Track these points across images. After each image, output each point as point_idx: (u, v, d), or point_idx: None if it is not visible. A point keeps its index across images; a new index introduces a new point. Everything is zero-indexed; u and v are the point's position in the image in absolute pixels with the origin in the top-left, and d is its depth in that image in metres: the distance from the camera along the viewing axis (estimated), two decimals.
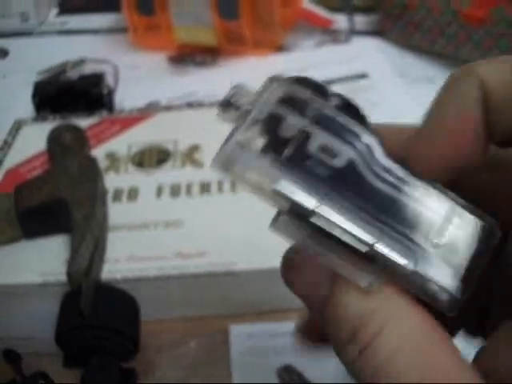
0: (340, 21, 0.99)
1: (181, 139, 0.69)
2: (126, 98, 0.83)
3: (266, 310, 0.56)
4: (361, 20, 0.98)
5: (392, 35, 0.92)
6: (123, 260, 0.55)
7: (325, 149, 0.24)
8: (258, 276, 0.54)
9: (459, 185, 0.26)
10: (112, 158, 0.67)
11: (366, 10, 1.00)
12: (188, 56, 0.93)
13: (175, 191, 0.62)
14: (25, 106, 0.79)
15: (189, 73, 0.91)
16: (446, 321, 0.24)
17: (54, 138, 0.65)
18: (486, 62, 0.25)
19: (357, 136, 0.25)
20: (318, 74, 0.85)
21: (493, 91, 0.24)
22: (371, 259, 0.24)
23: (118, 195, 0.62)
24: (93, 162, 0.62)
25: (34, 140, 0.68)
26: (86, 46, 0.99)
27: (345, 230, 0.23)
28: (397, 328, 0.23)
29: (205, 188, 0.62)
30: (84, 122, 0.71)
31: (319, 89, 0.26)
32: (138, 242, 0.57)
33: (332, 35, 0.97)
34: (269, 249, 0.53)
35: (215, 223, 0.58)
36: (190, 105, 0.77)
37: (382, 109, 0.77)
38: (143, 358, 0.53)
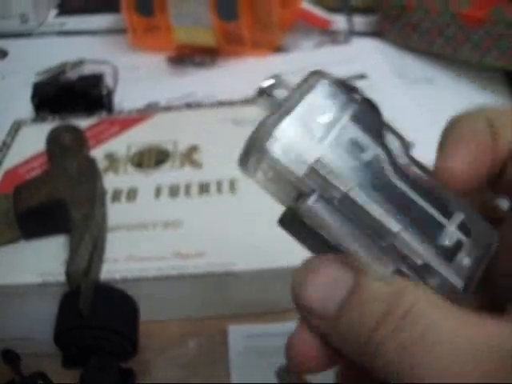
0: (339, 22, 0.99)
1: (180, 140, 0.69)
2: (125, 99, 0.83)
3: (265, 311, 0.56)
4: (359, 21, 0.98)
5: (391, 36, 0.92)
6: (122, 260, 0.55)
7: (355, 142, 0.26)
8: (256, 276, 0.54)
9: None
10: (111, 158, 0.67)
11: (364, 10, 1.00)
12: (187, 57, 0.93)
13: (174, 192, 0.62)
14: (24, 107, 0.79)
15: (188, 73, 0.91)
16: None
17: (53, 139, 0.65)
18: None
19: (383, 136, 0.26)
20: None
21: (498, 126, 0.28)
22: (389, 249, 0.25)
23: (117, 195, 0.62)
24: (92, 162, 0.62)
25: (33, 141, 0.68)
26: (85, 46, 0.99)
27: (371, 216, 0.25)
28: (427, 303, 0.23)
29: (204, 188, 0.62)
30: (83, 123, 0.71)
31: (349, 88, 0.28)
32: (136, 242, 0.57)
33: (331, 36, 0.97)
34: (268, 249, 0.54)
35: (214, 224, 0.58)
36: (189, 105, 0.77)
37: (381, 109, 0.77)
38: (142, 359, 0.53)
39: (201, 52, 0.93)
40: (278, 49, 0.94)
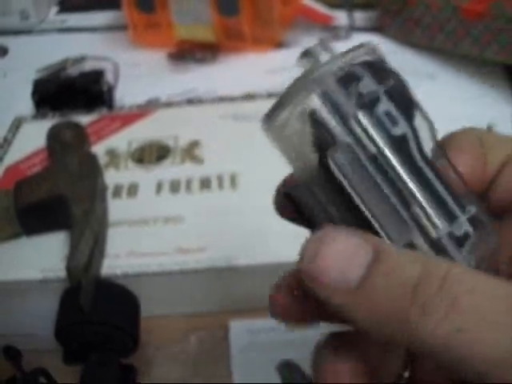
0: (340, 17, 0.99)
1: (181, 135, 0.69)
2: (126, 95, 0.83)
3: (267, 306, 0.56)
4: (360, 16, 0.98)
5: (391, 31, 0.92)
6: (123, 256, 0.55)
7: (389, 114, 0.26)
8: (258, 271, 0.54)
9: None
10: (112, 154, 0.67)
11: (365, 6, 1.00)
12: (188, 53, 0.93)
13: (175, 187, 0.62)
14: (25, 104, 0.79)
15: (189, 69, 0.90)
16: None
17: (53, 135, 0.65)
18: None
19: (413, 117, 0.27)
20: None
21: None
22: (409, 218, 0.25)
23: (117, 191, 0.62)
24: (93, 158, 0.62)
25: (34, 137, 0.68)
26: (85, 43, 0.99)
27: (402, 179, 0.25)
28: (462, 268, 0.23)
29: (205, 184, 0.62)
30: (84, 119, 0.71)
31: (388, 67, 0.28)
32: (138, 237, 0.57)
33: (332, 32, 0.96)
34: (269, 244, 0.54)
35: (215, 219, 0.58)
36: (190, 101, 0.77)
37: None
38: (143, 354, 0.53)
39: (201, 48, 0.93)
40: (279, 45, 0.94)
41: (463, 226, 0.26)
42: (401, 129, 0.26)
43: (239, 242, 0.55)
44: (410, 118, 0.26)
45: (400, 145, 0.26)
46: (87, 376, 0.48)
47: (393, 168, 0.25)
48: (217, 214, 0.58)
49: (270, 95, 0.74)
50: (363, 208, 0.25)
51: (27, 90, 0.79)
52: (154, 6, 0.91)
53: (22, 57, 0.98)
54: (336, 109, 0.25)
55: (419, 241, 0.25)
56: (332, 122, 0.25)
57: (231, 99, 0.75)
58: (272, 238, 0.54)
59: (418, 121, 0.27)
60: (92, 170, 0.60)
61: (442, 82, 0.83)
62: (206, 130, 0.70)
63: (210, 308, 0.57)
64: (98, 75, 0.80)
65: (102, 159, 0.65)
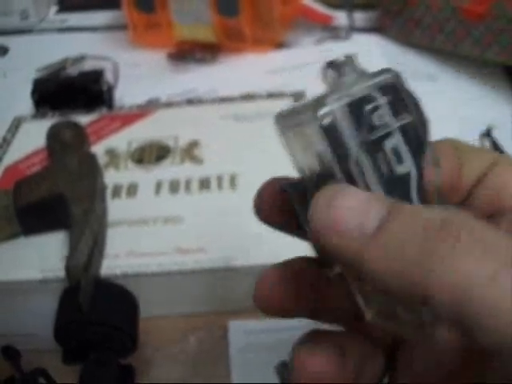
0: (340, 17, 0.98)
1: (181, 136, 0.69)
2: (126, 95, 0.83)
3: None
4: (360, 17, 0.98)
5: (391, 32, 0.92)
6: (123, 256, 0.55)
7: (396, 152, 0.26)
8: (257, 272, 0.54)
9: None
10: (111, 154, 0.67)
11: (365, 6, 1.00)
12: (188, 53, 0.93)
13: (174, 187, 0.62)
14: (24, 103, 0.79)
15: (189, 70, 0.90)
16: None
17: (53, 135, 0.65)
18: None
19: (422, 157, 0.26)
20: (317, 71, 0.85)
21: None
22: None
23: (117, 191, 0.62)
24: (92, 158, 0.62)
25: (34, 137, 0.68)
26: (85, 43, 0.99)
27: None
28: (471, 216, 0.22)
29: (204, 184, 0.62)
30: (84, 119, 0.71)
31: (412, 95, 0.27)
32: (137, 237, 0.57)
33: (332, 32, 0.96)
34: (268, 244, 0.54)
35: (214, 219, 0.58)
36: (189, 101, 0.77)
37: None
38: (142, 355, 0.53)
39: (202, 48, 0.93)
40: (279, 45, 0.94)
41: None
42: (405, 167, 0.26)
43: (238, 242, 0.55)
44: (418, 157, 0.26)
45: (398, 184, 0.26)
46: (86, 376, 0.48)
47: None
48: (216, 214, 0.58)
49: (270, 95, 0.74)
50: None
51: (27, 89, 0.79)
52: (154, 5, 0.91)
53: (22, 56, 0.98)
54: (337, 144, 0.25)
55: None
56: (329, 156, 0.25)
57: (231, 99, 0.75)
58: (271, 238, 0.54)
59: (427, 161, 0.27)
60: (91, 169, 0.60)
61: (443, 82, 0.83)
62: (205, 130, 0.70)
63: (209, 308, 0.57)
64: (97, 75, 0.80)
65: (102, 159, 0.65)
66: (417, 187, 0.26)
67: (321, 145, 0.25)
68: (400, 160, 0.26)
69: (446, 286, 0.20)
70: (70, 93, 0.77)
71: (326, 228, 0.23)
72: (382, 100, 0.26)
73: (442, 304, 0.20)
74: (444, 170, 0.28)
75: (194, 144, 0.67)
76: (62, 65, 0.88)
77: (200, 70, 0.90)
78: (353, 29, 0.96)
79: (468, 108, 0.77)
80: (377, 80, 0.26)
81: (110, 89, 0.80)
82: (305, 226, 0.27)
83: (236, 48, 0.91)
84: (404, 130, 0.26)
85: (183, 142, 0.68)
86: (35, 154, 0.67)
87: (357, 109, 0.25)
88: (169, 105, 0.77)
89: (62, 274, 0.51)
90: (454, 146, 0.30)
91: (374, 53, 0.89)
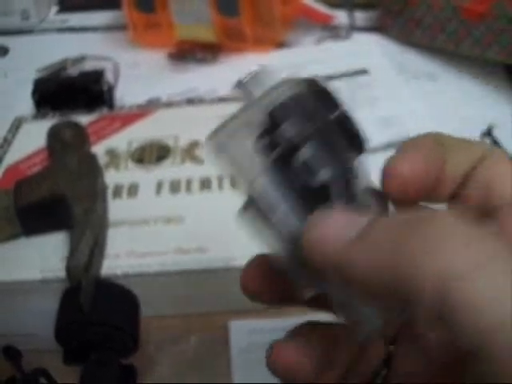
0: (340, 17, 0.99)
1: (181, 135, 0.69)
2: (127, 95, 0.83)
3: (266, 307, 0.56)
4: (361, 16, 0.98)
5: (392, 31, 0.92)
6: (123, 256, 0.55)
7: (307, 164, 0.25)
8: None
9: None
10: (112, 154, 0.67)
11: (366, 6, 1.00)
12: (188, 53, 0.93)
13: (175, 187, 0.62)
14: (25, 103, 0.79)
15: (189, 69, 0.91)
16: None
17: (53, 135, 0.65)
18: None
19: (339, 162, 0.26)
20: (318, 71, 0.85)
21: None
22: None
23: (118, 191, 0.62)
24: (93, 158, 0.62)
25: (34, 137, 0.68)
26: (86, 43, 0.99)
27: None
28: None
29: (205, 184, 0.62)
30: (84, 119, 0.71)
31: (327, 97, 0.27)
32: (138, 237, 0.57)
33: (332, 31, 0.97)
34: None
35: (215, 219, 0.58)
36: (190, 101, 0.77)
37: (382, 105, 0.77)
38: (143, 354, 0.53)
39: (202, 48, 0.93)
40: (280, 44, 0.94)
41: None
42: (320, 177, 0.25)
43: (239, 242, 0.55)
44: (338, 162, 0.26)
45: (319, 193, 0.25)
46: (87, 376, 0.48)
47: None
48: (217, 214, 0.58)
49: None
50: None
51: (27, 89, 0.79)
52: (154, 5, 0.91)
53: (23, 56, 0.98)
54: (239, 169, 0.26)
55: None
56: (239, 180, 0.26)
57: (232, 99, 0.75)
58: None
59: (352, 160, 0.26)
60: (92, 169, 0.60)
61: (443, 82, 0.83)
62: (206, 130, 0.69)
63: (210, 308, 0.57)
64: (98, 75, 0.80)
65: (102, 159, 0.65)
66: (340, 194, 0.26)
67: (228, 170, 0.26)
68: (313, 171, 0.25)
69: (425, 281, 0.20)
70: (71, 93, 0.77)
71: (316, 242, 0.24)
72: (284, 116, 0.25)
73: (422, 301, 0.20)
74: (424, 167, 0.27)
75: (194, 144, 0.67)
76: (63, 65, 0.88)
77: (200, 69, 0.90)
78: (353, 28, 0.96)
79: (469, 107, 0.77)
80: (277, 96, 0.26)
81: (111, 89, 0.81)
82: (301, 279, 0.27)
83: (236, 48, 0.91)
84: (312, 140, 0.25)
85: (184, 141, 0.68)
86: (36, 154, 0.67)
87: (260, 132, 0.26)
88: (169, 105, 0.77)
89: (62, 274, 0.51)
90: (437, 141, 0.28)
91: (375, 52, 0.89)
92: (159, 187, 0.62)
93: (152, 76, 0.89)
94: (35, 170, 0.65)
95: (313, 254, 0.24)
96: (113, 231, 0.57)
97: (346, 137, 0.26)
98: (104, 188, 0.61)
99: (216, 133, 0.26)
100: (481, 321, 0.19)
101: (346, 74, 0.84)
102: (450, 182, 0.28)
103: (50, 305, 0.51)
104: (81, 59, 0.89)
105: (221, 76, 0.87)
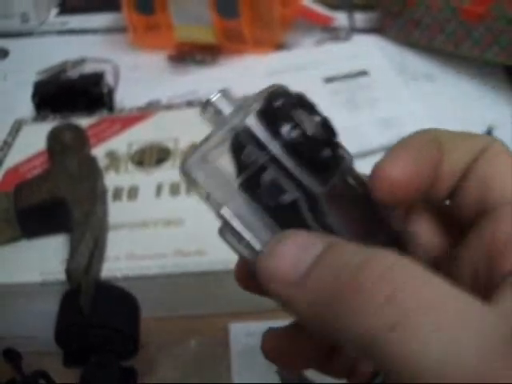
0: (340, 18, 0.99)
1: (181, 138, 0.69)
2: (127, 97, 0.83)
3: (266, 308, 0.56)
4: (360, 18, 0.98)
5: (391, 33, 0.92)
6: (123, 258, 0.55)
7: (274, 184, 0.25)
8: None
9: None
10: (112, 156, 0.67)
11: (365, 7, 1.00)
12: (188, 55, 0.93)
13: (175, 190, 0.62)
14: (25, 106, 0.79)
15: (189, 72, 0.91)
16: None
17: (53, 137, 0.65)
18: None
19: (304, 182, 0.25)
20: (317, 72, 0.86)
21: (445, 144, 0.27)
22: None
23: (118, 194, 0.62)
24: (92, 161, 0.62)
25: (34, 139, 0.68)
26: (86, 45, 0.99)
27: None
28: (411, 261, 0.21)
29: None
30: (84, 122, 0.71)
31: (300, 102, 0.26)
32: (138, 240, 0.57)
33: (332, 33, 0.97)
34: None
35: (215, 222, 0.58)
36: (190, 103, 0.77)
37: (382, 106, 0.77)
38: (143, 357, 0.53)
39: (202, 50, 0.93)
40: (279, 46, 0.94)
41: None
42: (290, 196, 0.25)
43: None
44: (307, 179, 0.25)
45: (289, 214, 0.25)
46: (87, 378, 0.48)
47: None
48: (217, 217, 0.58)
49: None
50: None
51: (27, 92, 0.79)
52: (154, 7, 0.91)
53: (23, 59, 0.98)
54: (210, 190, 0.26)
55: None
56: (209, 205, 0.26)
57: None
58: None
59: (312, 186, 0.25)
60: (92, 172, 0.60)
61: (443, 83, 0.83)
62: (206, 132, 0.69)
63: (210, 310, 0.57)
64: (98, 77, 0.80)
65: (102, 162, 0.65)
66: (311, 212, 0.25)
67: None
68: (281, 190, 0.25)
69: (351, 334, 0.21)
70: (71, 95, 0.78)
71: (265, 277, 0.24)
72: (247, 137, 0.25)
73: (352, 348, 0.21)
74: (415, 167, 0.26)
75: (194, 146, 0.67)
76: (63, 67, 0.88)
77: (200, 71, 0.90)
78: (353, 30, 0.96)
79: (468, 108, 0.77)
80: (243, 112, 0.26)
81: (111, 91, 0.81)
82: None
83: (236, 49, 0.91)
84: (277, 160, 0.25)
85: (184, 144, 0.68)
86: (36, 156, 0.67)
87: (230, 149, 0.25)
88: (169, 107, 0.77)
89: (62, 276, 0.51)
90: (434, 136, 0.27)
91: (374, 54, 0.89)
92: (159, 190, 0.62)
93: (152, 78, 0.90)
94: (35, 172, 0.65)
95: (264, 284, 0.24)
96: (113, 234, 0.57)
97: (308, 156, 0.25)
98: (104, 190, 0.61)
99: (187, 158, 0.26)
100: (407, 377, 0.19)
101: (345, 76, 0.84)
102: (449, 179, 0.27)
103: (50, 307, 0.52)
104: (81, 61, 0.89)
105: (220, 78, 0.87)
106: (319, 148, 0.25)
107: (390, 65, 0.86)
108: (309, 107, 0.27)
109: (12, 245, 0.57)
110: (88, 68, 0.88)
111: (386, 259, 0.21)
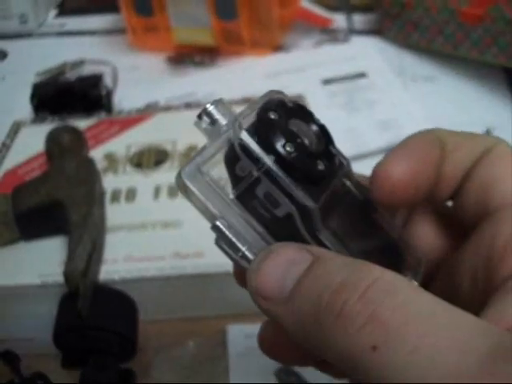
0: (339, 20, 0.99)
1: (179, 140, 0.69)
2: (125, 99, 0.83)
3: None
4: (359, 19, 0.98)
5: (390, 34, 0.92)
6: (121, 260, 0.55)
7: (269, 196, 0.25)
8: None
9: None
10: (110, 158, 0.67)
11: (364, 9, 1.00)
12: (186, 56, 0.93)
13: (173, 192, 0.62)
14: (23, 108, 0.79)
15: (187, 73, 0.91)
16: None
17: (52, 139, 0.65)
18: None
19: (297, 196, 0.25)
20: (316, 74, 0.86)
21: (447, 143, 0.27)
22: None
23: (116, 196, 0.62)
24: (90, 162, 0.62)
25: (33, 141, 0.68)
26: (84, 47, 0.99)
27: None
28: (397, 277, 0.21)
29: None
30: (82, 123, 0.71)
31: (296, 112, 0.26)
32: (136, 242, 0.57)
33: (330, 35, 0.97)
34: None
35: None
36: (188, 105, 0.77)
37: (381, 108, 0.77)
38: (141, 359, 0.53)
39: (200, 52, 0.93)
40: (278, 48, 0.94)
41: None
42: (284, 209, 0.25)
43: None
44: (300, 193, 0.25)
45: (285, 226, 0.25)
46: (86, 381, 0.48)
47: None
48: None
49: None
50: None
51: (26, 94, 0.79)
52: (153, 9, 0.91)
53: (21, 60, 0.98)
54: (206, 202, 0.26)
55: None
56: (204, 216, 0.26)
57: (230, 103, 0.75)
58: None
59: (306, 201, 0.25)
60: (90, 174, 0.60)
61: (442, 85, 0.83)
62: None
63: (208, 312, 0.57)
64: (96, 79, 0.80)
65: (101, 163, 0.65)
66: (304, 225, 0.25)
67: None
68: (276, 203, 0.25)
69: (335, 354, 0.21)
70: (69, 97, 0.77)
71: (255, 294, 0.24)
72: (241, 150, 0.25)
73: (338, 366, 0.21)
74: (415, 168, 0.26)
75: (192, 148, 0.67)
76: (61, 69, 0.88)
77: (199, 73, 0.90)
78: (351, 31, 0.96)
79: (467, 110, 0.78)
80: (238, 122, 0.26)
81: (109, 93, 0.81)
82: None
83: (235, 51, 0.91)
84: (270, 173, 0.25)
85: (182, 146, 0.68)
86: (34, 158, 0.67)
87: (225, 161, 0.26)
88: (167, 109, 0.77)
89: (60, 279, 0.51)
90: (436, 136, 0.27)
91: (373, 55, 0.89)
92: (157, 192, 0.62)
93: (150, 80, 0.90)
94: (33, 174, 0.65)
95: (253, 299, 0.24)
96: (111, 236, 0.57)
97: (302, 171, 0.25)
98: (102, 193, 0.61)
99: (182, 169, 0.26)
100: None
101: (344, 77, 0.84)
102: (451, 179, 0.27)
103: (49, 309, 0.52)
104: (79, 63, 0.89)
105: (219, 80, 0.87)
106: (314, 161, 0.25)
107: (389, 66, 0.86)
108: (305, 116, 0.27)
109: (10, 247, 0.57)
110: (87, 70, 0.88)
111: (369, 275, 0.21)
